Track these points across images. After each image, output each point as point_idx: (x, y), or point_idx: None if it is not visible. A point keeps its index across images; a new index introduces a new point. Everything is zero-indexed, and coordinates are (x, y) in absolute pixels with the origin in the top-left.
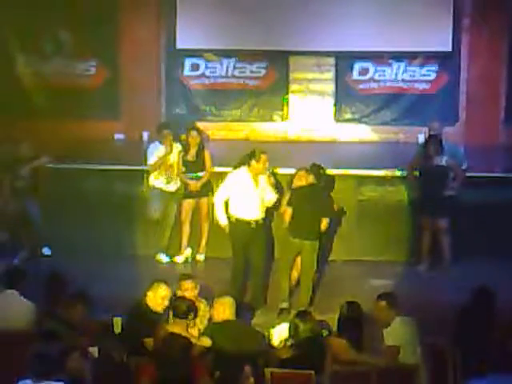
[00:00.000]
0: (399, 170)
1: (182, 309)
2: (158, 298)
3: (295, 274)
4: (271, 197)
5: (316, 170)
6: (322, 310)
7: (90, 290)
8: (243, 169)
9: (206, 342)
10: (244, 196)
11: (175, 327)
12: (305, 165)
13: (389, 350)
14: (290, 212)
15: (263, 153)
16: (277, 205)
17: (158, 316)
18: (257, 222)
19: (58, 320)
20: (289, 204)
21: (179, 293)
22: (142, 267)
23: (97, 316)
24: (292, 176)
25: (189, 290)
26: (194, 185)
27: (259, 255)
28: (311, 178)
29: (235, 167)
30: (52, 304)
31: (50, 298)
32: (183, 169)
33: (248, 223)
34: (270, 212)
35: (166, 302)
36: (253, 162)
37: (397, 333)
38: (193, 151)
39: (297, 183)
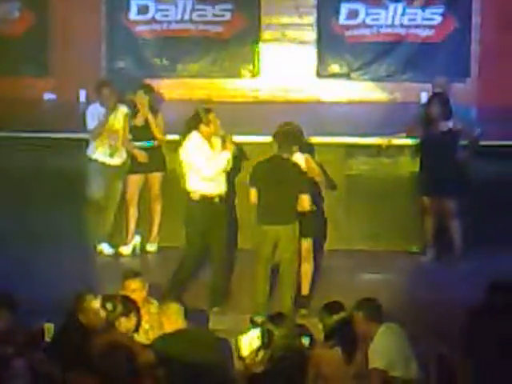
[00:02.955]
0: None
1: (108, 309)
2: (88, 314)
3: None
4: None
5: (277, 134)
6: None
7: (15, 289)
8: (195, 134)
9: (150, 355)
10: (203, 165)
11: (116, 335)
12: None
13: (373, 374)
14: (254, 193)
15: (208, 111)
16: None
17: (93, 335)
18: (221, 197)
19: None
20: (251, 184)
21: (123, 294)
22: (79, 260)
23: (23, 322)
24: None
25: (136, 290)
26: (143, 156)
27: (221, 241)
28: (274, 147)
29: (183, 134)
30: None
31: None
32: (130, 136)
33: (211, 199)
34: (233, 186)
35: (102, 314)
36: (201, 126)
37: (382, 347)
38: (141, 115)
39: None
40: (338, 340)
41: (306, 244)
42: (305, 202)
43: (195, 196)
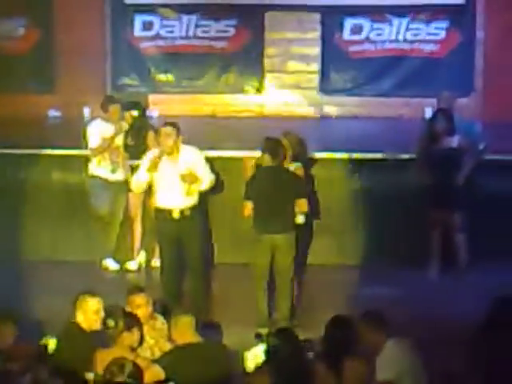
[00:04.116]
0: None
1: (110, 325)
2: (89, 314)
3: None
4: (204, 178)
5: (271, 145)
6: (307, 327)
7: (18, 305)
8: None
9: (158, 372)
10: (160, 179)
11: (117, 350)
12: None
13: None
14: (249, 207)
15: (166, 124)
16: (217, 188)
17: (95, 336)
18: (182, 211)
19: None
20: (246, 197)
21: (128, 310)
22: (83, 276)
23: (28, 338)
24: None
25: (141, 306)
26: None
27: (194, 254)
28: (267, 159)
29: None
30: None
31: None
32: (126, 154)
33: (169, 213)
34: (205, 198)
35: (102, 315)
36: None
37: (391, 361)
38: (131, 132)
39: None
40: (332, 357)
41: None
42: (304, 204)
43: (154, 209)
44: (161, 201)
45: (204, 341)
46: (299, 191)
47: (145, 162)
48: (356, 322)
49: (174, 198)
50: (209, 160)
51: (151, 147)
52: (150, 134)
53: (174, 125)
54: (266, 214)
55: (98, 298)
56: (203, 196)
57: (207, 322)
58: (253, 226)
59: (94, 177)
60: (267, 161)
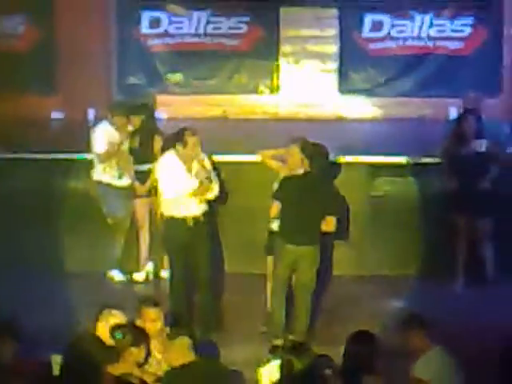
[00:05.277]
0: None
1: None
2: (111, 328)
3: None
4: (214, 187)
5: (309, 149)
6: (324, 342)
7: (20, 318)
8: (169, 154)
9: None
10: (165, 187)
11: (123, 365)
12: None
13: (416, 382)
14: (277, 208)
15: (192, 135)
16: (221, 197)
17: (112, 351)
18: (196, 219)
19: None
20: (276, 197)
21: (139, 323)
22: (88, 288)
23: (30, 353)
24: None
25: (156, 320)
26: (142, 189)
27: (204, 263)
28: (305, 163)
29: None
30: None
31: None
32: (131, 158)
33: (183, 221)
34: (213, 207)
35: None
36: (178, 147)
37: (431, 363)
38: (138, 136)
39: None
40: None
41: None
42: (331, 223)
43: (165, 217)
44: (174, 209)
45: (200, 359)
46: (331, 207)
47: (160, 165)
48: (398, 326)
49: (188, 206)
50: (216, 166)
51: (158, 151)
52: (157, 139)
53: (196, 132)
54: (294, 224)
55: (122, 314)
56: (211, 203)
57: (205, 341)
58: (278, 235)
59: (99, 183)
60: (305, 166)
